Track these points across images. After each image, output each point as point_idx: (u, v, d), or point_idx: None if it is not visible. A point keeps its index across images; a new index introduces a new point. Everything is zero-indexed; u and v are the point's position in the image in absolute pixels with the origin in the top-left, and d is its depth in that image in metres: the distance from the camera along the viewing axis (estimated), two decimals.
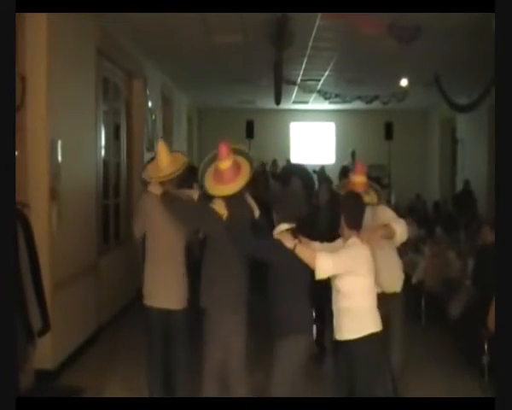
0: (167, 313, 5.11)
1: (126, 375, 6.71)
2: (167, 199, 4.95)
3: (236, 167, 4.72)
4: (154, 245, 5.15)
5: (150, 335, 5.27)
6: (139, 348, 6.63)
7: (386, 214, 5.40)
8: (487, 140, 14.57)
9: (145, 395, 5.98)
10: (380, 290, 4.80)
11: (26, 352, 5.25)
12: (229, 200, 4.72)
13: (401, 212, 13.92)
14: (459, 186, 17.25)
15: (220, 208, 4.69)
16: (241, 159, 4.84)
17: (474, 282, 7.15)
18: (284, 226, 4.56)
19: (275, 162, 17.90)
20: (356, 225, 4.64)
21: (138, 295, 6.01)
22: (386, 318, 4.80)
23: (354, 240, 4.61)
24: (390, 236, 5.00)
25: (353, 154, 18.18)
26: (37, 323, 5.30)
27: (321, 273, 4.40)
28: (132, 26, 8.98)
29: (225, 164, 4.66)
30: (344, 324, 4.58)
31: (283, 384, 4.63)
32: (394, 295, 4.71)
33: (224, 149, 4.66)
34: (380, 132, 18.08)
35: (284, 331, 4.64)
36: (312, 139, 20.87)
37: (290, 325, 4.64)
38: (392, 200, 16.96)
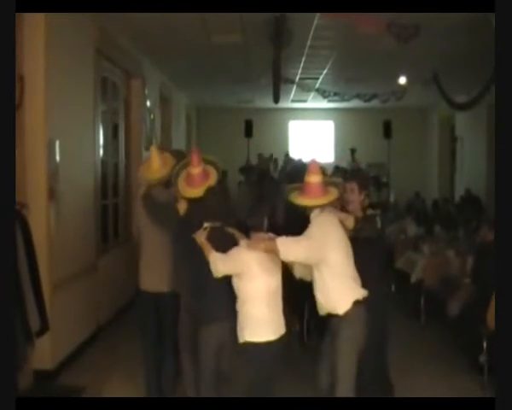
0: (156, 295, 5.54)
1: (125, 374, 6.71)
2: (146, 201, 5.54)
3: (205, 174, 5.25)
4: (144, 240, 5.68)
5: (143, 317, 5.72)
6: (138, 348, 6.64)
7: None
8: (486, 138, 14.56)
9: (144, 394, 6.01)
10: (324, 312, 4.81)
11: (25, 352, 5.24)
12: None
13: (400, 210, 14.04)
14: (458, 184, 17.26)
15: (181, 207, 5.27)
16: (210, 168, 5.36)
17: (473, 280, 7.15)
18: (206, 225, 4.86)
19: (275, 160, 17.91)
20: (253, 225, 4.78)
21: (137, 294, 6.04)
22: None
23: (243, 242, 4.72)
24: (273, 251, 4.63)
25: (353, 152, 18.18)
26: (35, 323, 5.29)
27: (214, 272, 4.67)
28: (131, 25, 8.98)
29: (196, 170, 5.20)
30: (239, 326, 4.68)
31: (206, 369, 4.84)
32: (337, 316, 4.61)
33: (195, 158, 5.23)
34: (379, 131, 18.07)
35: (203, 320, 4.86)
36: (311, 138, 20.88)
37: (205, 315, 4.85)
38: (391, 198, 16.98)
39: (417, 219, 11.17)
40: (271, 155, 17.96)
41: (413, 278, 8.91)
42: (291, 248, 4.57)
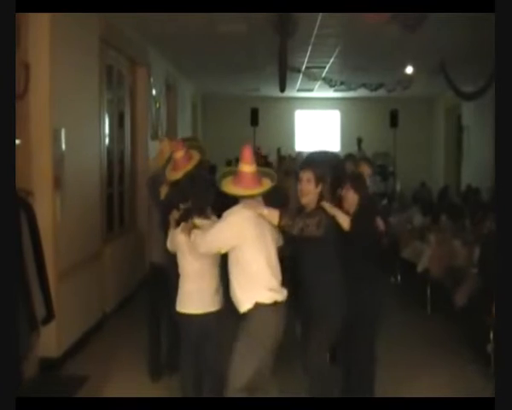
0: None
1: (130, 363, 6.72)
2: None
3: (187, 158, 5.45)
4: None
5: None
6: (143, 337, 6.64)
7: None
8: (492, 128, 14.50)
9: (148, 381, 6.04)
10: None
11: (31, 340, 5.26)
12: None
13: (406, 200, 14.00)
14: (464, 174, 17.21)
15: (163, 190, 5.76)
16: (194, 152, 5.58)
17: (479, 270, 7.12)
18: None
19: (279, 151, 17.92)
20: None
21: (143, 282, 6.13)
22: None
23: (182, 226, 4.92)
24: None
25: (359, 141, 18.16)
26: (41, 311, 5.30)
27: None
28: (136, 13, 8.93)
29: (178, 154, 5.43)
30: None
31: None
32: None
33: (178, 142, 5.66)
34: (385, 120, 18.03)
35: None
36: (317, 127, 20.84)
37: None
38: (397, 188, 16.96)
39: (423, 209, 11.13)
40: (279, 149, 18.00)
41: (419, 268, 8.89)
42: (200, 241, 4.62)
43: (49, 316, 5.43)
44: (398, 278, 10.63)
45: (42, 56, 6.30)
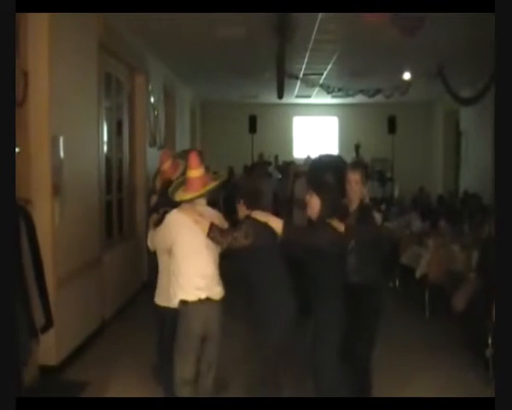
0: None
1: (130, 369, 6.71)
2: None
3: (173, 167, 5.80)
4: None
5: None
6: (143, 343, 6.64)
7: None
8: (491, 132, 14.51)
9: (149, 388, 6.02)
10: None
11: (30, 348, 5.25)
12: None
13: (405, 205, 14.02)
14: (463, 179, 17.22)
15: (152, 200, 5.97)
16: (180, 161, 5.86)
17: (478, 274, 7.12)
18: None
19: (277, 158, 17.94)
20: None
21: (142, 289, 6.11)
22: None
23: None
24: None
25: (357, 148, 18.17)
26: (40, 319, 5.30)
27: None
28: (135, 20, 8.96)
29: (165, 165, 5.85)
30: None
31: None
32: None
33: (164, 154, 6.08)
34: (383, 126, 18.05)
35: None
36: (315, 134, 20.85)
37: None
38: (396, 193, 16.97)
39: (422, 214, 11.14)
40: (276, 156, 18.05)
41: (418, 273, 8.89)
42: (149, 241, 5.29)
43: (48, 324, 5.42)
44: (397, 282, 10.63)
45: (41, 64, 6.31)
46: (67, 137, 6.84)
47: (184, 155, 5.96)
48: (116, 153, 9.62)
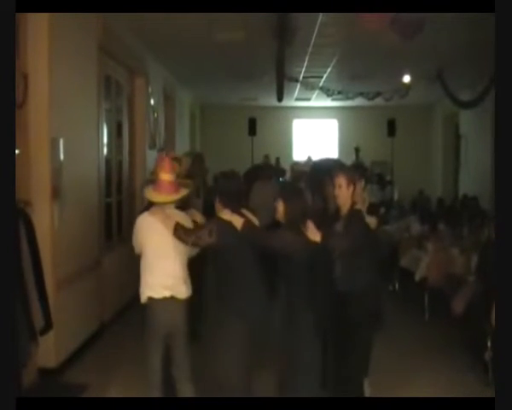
0: None
1: (129, 372, 6.70)
2: None
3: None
4: None
5: None
6: (142, 346, 6.62)
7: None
8: (491, 135, 14.52)
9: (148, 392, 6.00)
10: None
11: (29, 350, 5.25)
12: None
13: (404, 208, 14.02)
14: (462, 182, 17.22)
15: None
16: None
17: (477, 278, 7.13)
18: None
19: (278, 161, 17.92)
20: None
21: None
22: None
23: None
24: None
25: (357, 150, 18.17)
26: (39, 321, 5.30)
27: None
28: (135, 22, 8.98)
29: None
30: None
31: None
32: None
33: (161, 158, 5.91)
34: (382, 129, 18.05)
35: None
36: (315, 136, 20.86)
37: None
38: (395, 196, 16.96)
39: (421, 217, 11.15)
40: (278, 159, 18.01)
41: (417, 276, 8.89)
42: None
43: (48, 326, 5.43)
44: (397, 285, 10.63)
45: (40, 66, 6.31)
46: (67, 139, 6.85)
47: (177, 158, 6.12)
48: (116, 155, 9.62)
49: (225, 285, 4.96)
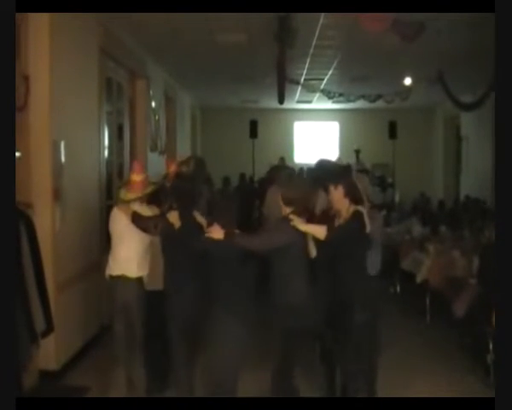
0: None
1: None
2: None
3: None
4: None
5: None
6: None
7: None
8: (492, 138, 14.51)
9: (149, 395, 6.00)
10: None
11: (30, 352, 5.25)
12: None
13: (405, 210, 14.01)
14: (464, 184, 17.21)
15: None
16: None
17: (479, 280, 7.12)
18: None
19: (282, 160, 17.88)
20: None
21: None
22: None
23: None
24: None
25: (357, 153, 18.15)
26: (40, 324, 5.30)
27: None
28: (135, 25, 8.98)
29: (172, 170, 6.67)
30: None
31: None
32: None
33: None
34: (384, 131, 18.05)
35: None
36: (316, 139, 20.84)
37: None
38: (396, 199, 16.95)
39: (423, 220, 11.15)
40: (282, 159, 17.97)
41: (418, 279, 8.89)
42: None
43: (49, 329, 5.43)
44: (398, 287, 10.62)
45: (41, 68, 6.32)
46: (68, 141, 6.85)
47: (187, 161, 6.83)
48: (117, 157, 9.62)
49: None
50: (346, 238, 5.20)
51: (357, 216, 5.25)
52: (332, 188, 5.40)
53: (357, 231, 5.24)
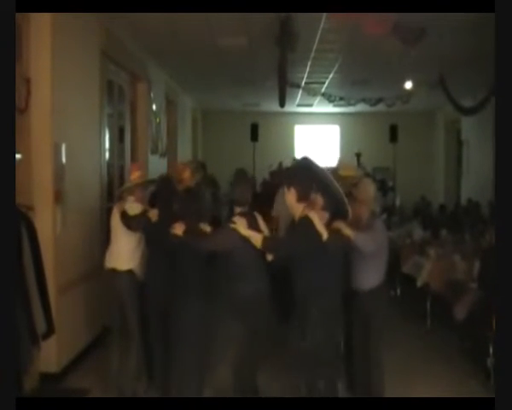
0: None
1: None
2: None
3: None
4: None
5: None
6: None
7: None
8: (493, 142, 14.50)
9: (150, 396, 6.00)
10: None
11: (31, 355, 5.25)
12: None
13: (406, 214, 14.01)
14: (465, 188, 17.21)
15: None
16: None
17: (479, 284, 7.12)
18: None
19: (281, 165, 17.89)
20: None
21: None
22: None
23: None
24: None
25: (358, 156, 18.15)
26: (41, 326, 5.29)
27: None
28: (137, 27, 8.99)
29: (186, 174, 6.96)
30: None
31: None
32: None
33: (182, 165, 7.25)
34: (384, 135, 18.05)
35: None
36: (317, 142, 20.83)
37: None
38: (397, 202, 16.95)
39: (423, 223, 11.15)
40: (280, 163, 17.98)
41: (419, 282, 8.88)
42: None
43: (50, 331, 5.42)
44: (398, 291, 10.62)
45: (43, 71, 6.33)
46: (69, 143, 6.86)
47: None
48: (118, 160, 9.62)
49: None
50: (282, 247, 5.16)
51: (302, 224, 5.02)
52: (286, 190, 5.19)
53: (298, 240, 5.03)
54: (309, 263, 4.99)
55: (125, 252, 6.17)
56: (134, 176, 6.37)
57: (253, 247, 5.15)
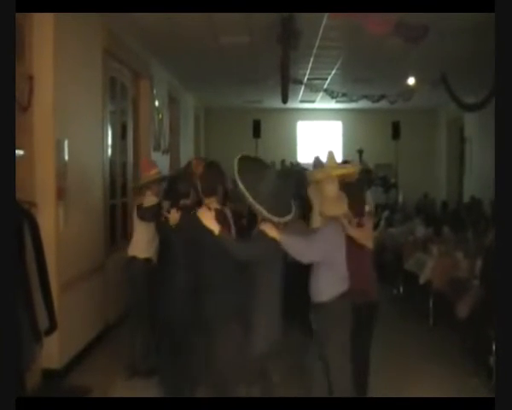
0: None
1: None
2: None
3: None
4: None
5: None
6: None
7: None
8: (495, 139, 14.45)
9: (152, 394, 6.00)
10: None
11: (33, 351, 5.25)
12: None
13: (409, 211, 14.00)
14: (467, 186, 17.20)
15: None
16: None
17: (481, 282, 7.11)
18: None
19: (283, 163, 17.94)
20: None
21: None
22: None
23: None
24: None
25: (360, 153, 18.17)
26: (44, 322, 5.30)
27: None
28: (139, 25, 8.99)
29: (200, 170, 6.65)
30: None
31: None
32: None
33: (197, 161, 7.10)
34: (387, 132, 18.06)
35: None
36: (319, 138, 20.84)
37: None
38: (400, 199, 16.95)
39: (426, 221, 11.13)
40: (283, 161, 18.07)
41: (421, 280, 8.88)
42: None
43: (52, 327, 5.43)
44: (401, 289, 10.62)
45: (45, 68, 6.33)
46: (72, 140, 6.86)
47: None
48: (120, 157, 9.62)
49: None
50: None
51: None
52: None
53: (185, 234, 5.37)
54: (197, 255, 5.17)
55: (143, 241, 6.64)
56: (152, 172, 6.76)
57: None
